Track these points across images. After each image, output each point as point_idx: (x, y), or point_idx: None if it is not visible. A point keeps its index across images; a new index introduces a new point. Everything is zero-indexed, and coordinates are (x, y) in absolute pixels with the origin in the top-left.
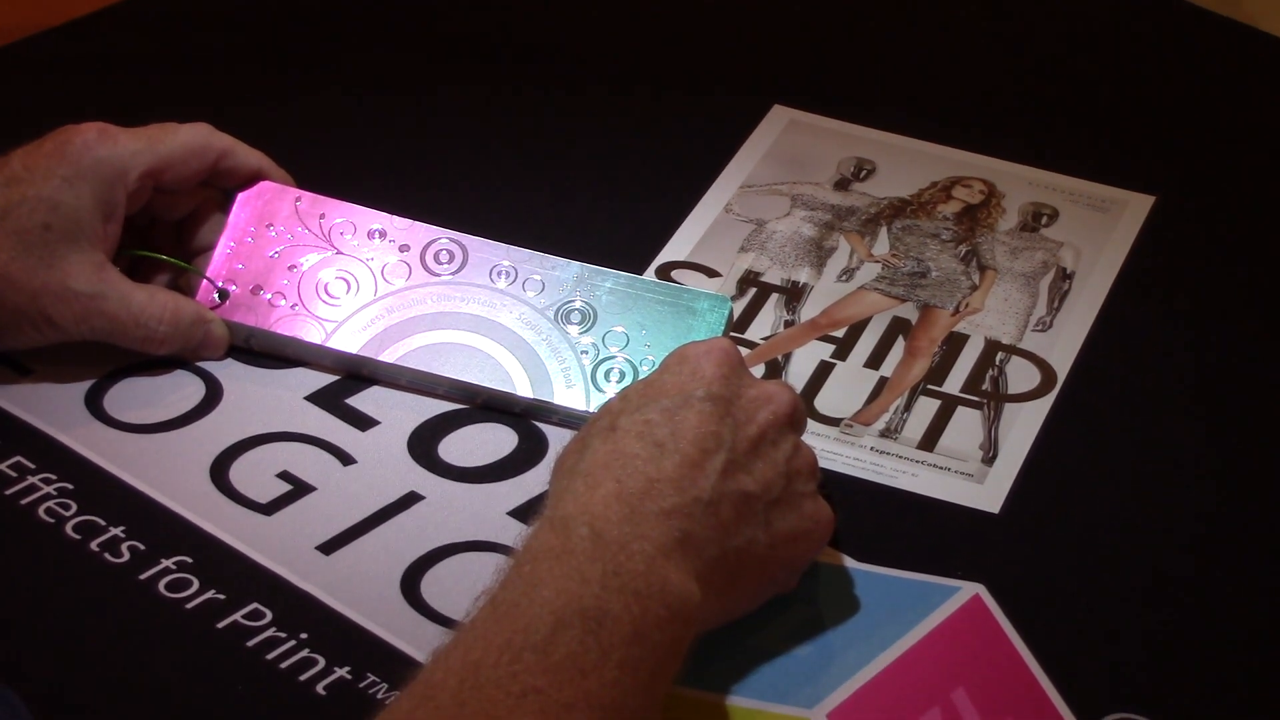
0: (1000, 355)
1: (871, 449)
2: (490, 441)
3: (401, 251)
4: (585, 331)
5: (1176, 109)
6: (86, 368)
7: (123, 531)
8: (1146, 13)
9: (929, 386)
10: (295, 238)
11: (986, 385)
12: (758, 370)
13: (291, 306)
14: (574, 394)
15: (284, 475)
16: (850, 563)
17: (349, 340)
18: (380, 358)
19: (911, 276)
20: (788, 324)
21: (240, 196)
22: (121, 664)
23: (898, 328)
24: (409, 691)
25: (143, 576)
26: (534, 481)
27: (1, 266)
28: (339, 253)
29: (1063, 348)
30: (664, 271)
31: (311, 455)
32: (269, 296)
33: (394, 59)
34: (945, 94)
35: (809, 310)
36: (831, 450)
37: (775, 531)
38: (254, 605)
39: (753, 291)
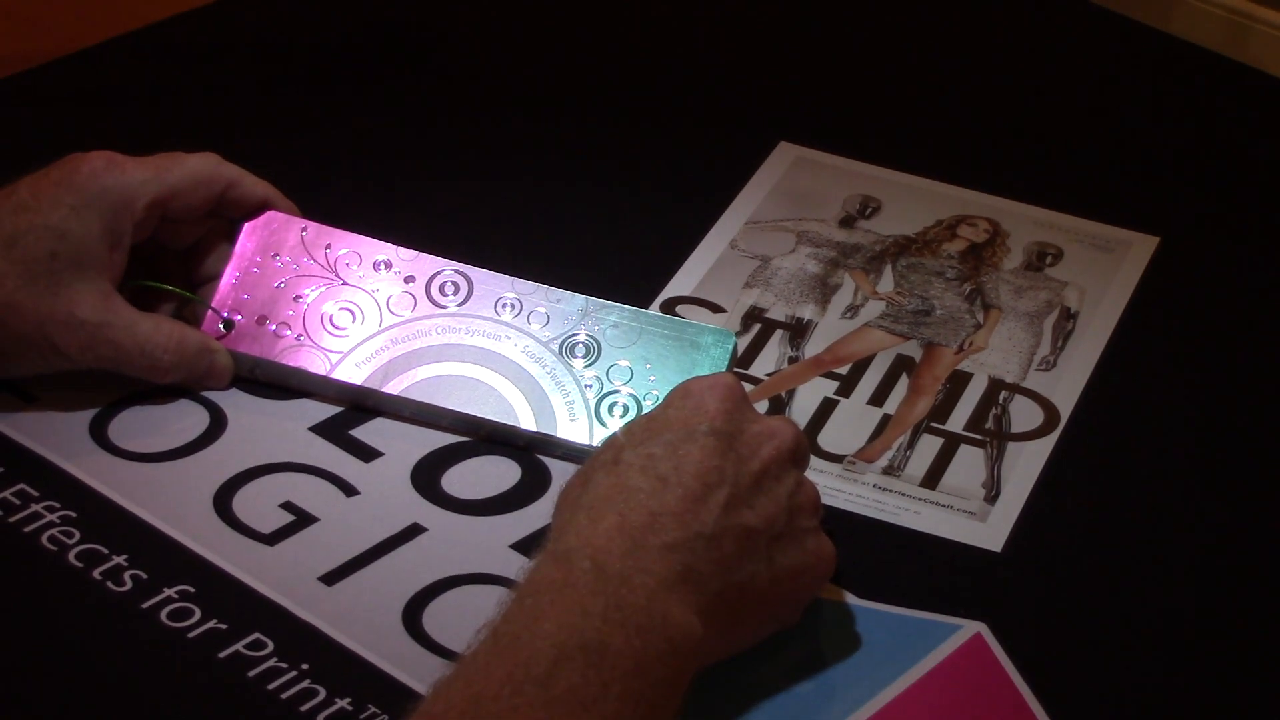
0: (1003, 394)
1: (874, 486)
2: (493, 474)
3: (407, 283)
4: (589, 365)
5: (1182, 150)
6: (91, 396)
7: (125, 560)
8: (1153, 54)
9: (932, 424)
10: (301, 268)
11: (989, 424)
12: (761, 406)
13: (296, 337)
14: (577, 428)
15: (287, 506)
16: (852, 599)
17: (353, 372)
18: (385, 389)
19: (916, 314)
20: (792, 360)
21: (246, 226)
22: (123, 693)
23: (901, 365)
24: None
25: (145, 605)
26: (537, 515)
27: (8, 294)
28: (344, 283)
29: (1066, 387)
30: (669, 306)
31: (315, 486)
32: (274, 327)
33: (402, 90)
34: (951, 133)
35: (813, 347)
36: (834, 487)
37: (777, 567)
38: (256, 635)
39: (757, 327)
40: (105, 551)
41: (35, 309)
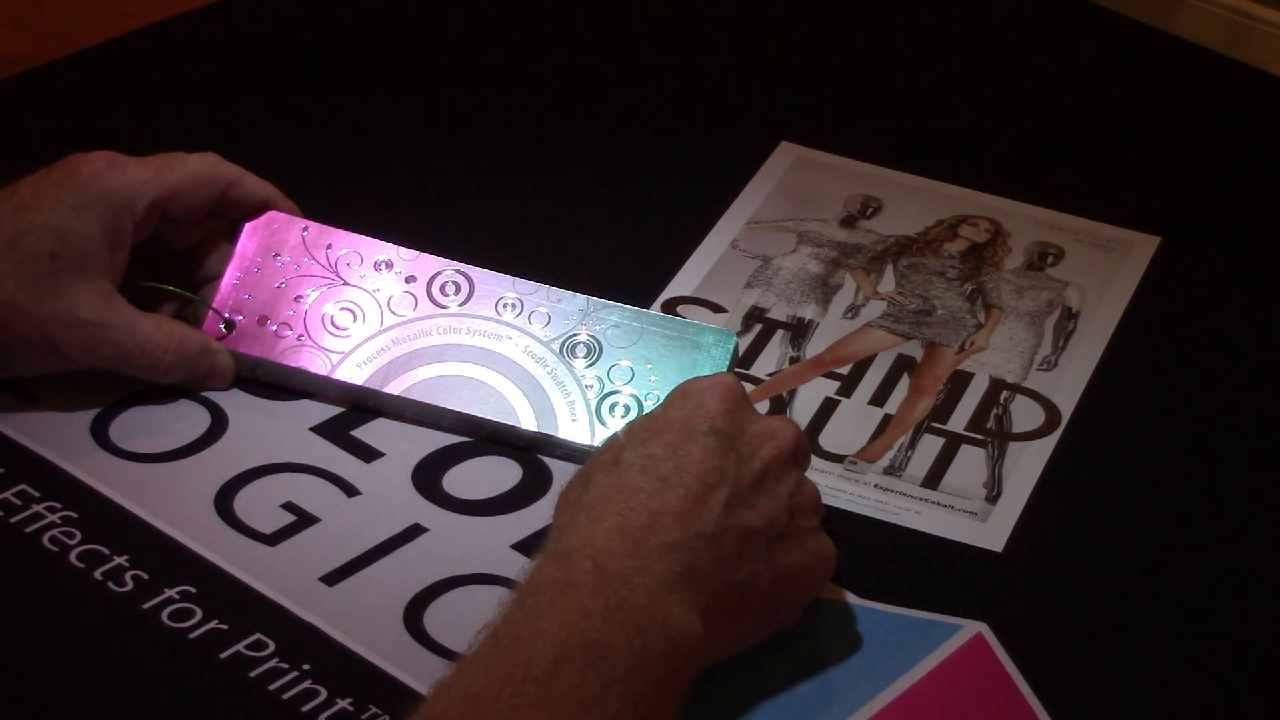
0: (1005, 394)
1: (875, 486)
2: (494, 474)
3: (408, 283)
4: (590, 365)
5: (1183, 150)
6: (92, 396)
7: (126, 561)
8: (1154, 54)
9: (933, 424)
10: (302, 268)
11: (991, 424)
12: (762, 406)
13: (297, 337)
14: (578, 428)
15: (288, 506)
16: (853, 599)
17: (354, 372)
18: (386, 390)
19: (917, 314)
20: (793, 360)
21: (247, 226)
22: (124, 694)
23: (903, 365)
24: None
25: (146, 606)
26: (537, 515)
27: (9, 295)
28: (345, 284)
29: (1067, 387)
30: (670, 306)
31: (316, 486)
32: (275, 327)
33: (402, 90)
34: (952, 133)
35: (814, 347)
36: (835, 487)
37: (778, 566)
38: (257, 636)
39: (758, 327)
40: (106, 552)
41: (36, 309)
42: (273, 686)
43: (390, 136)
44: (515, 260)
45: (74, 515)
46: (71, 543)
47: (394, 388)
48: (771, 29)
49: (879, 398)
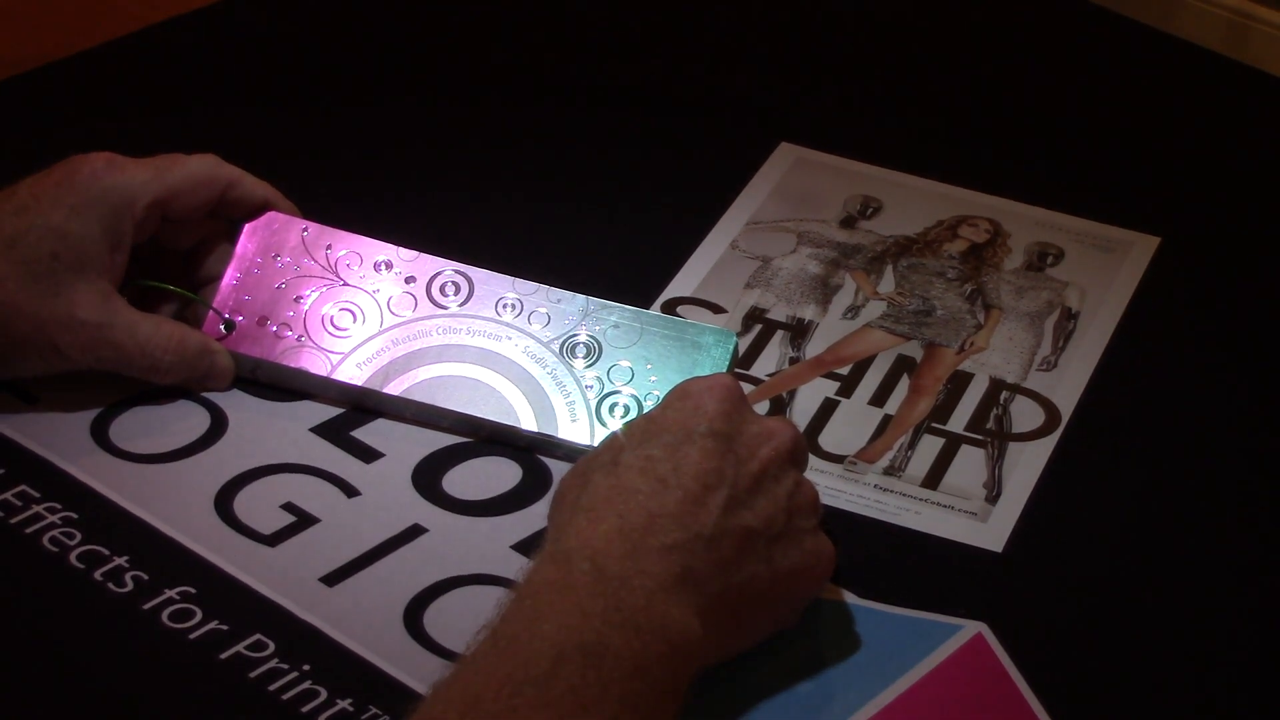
0: (1004, 394)
1: (875, 487)
2: (494, 475)
3: (407, 283)
4: (590, 365)
5: (1182, 151)
6: (92, 397)
7: (126, 561)
8: (1154, 54)
9: (933, 425)
10: (301, 269)
11: (990, 424)
12: (762, 407)
13: (297, 338)
14: (578, 428)
15: (288, 507)
16: (852, 600)
17: (354, 373)
18: (385, 390)
19: (917, 315)
20: (793, 361)
21: (247, 227)
22: (124, 695)
23: (902, 366)
24: None
25: (146, 607)
26: (537, 515)
27: (9, 295)
28: (345, 284)
29: (1067, 387)
30: (670, 306)
31: (316, 487)
32: (275, 328)
33: (403, 91)
34: (952, 133)
35: (814, 347)
36: (835, 488)
37: (777, 567)
38: (257, 636)
39: (758, 328)
40: (106, 553)
41: (36, 310)
42: (273, 687)
43: (390, 137)
44: (515, 260)
45: (74, 516)
46: (71, 543)
47: (394, 388)
48: (771, 29)
49: (879, 398)
